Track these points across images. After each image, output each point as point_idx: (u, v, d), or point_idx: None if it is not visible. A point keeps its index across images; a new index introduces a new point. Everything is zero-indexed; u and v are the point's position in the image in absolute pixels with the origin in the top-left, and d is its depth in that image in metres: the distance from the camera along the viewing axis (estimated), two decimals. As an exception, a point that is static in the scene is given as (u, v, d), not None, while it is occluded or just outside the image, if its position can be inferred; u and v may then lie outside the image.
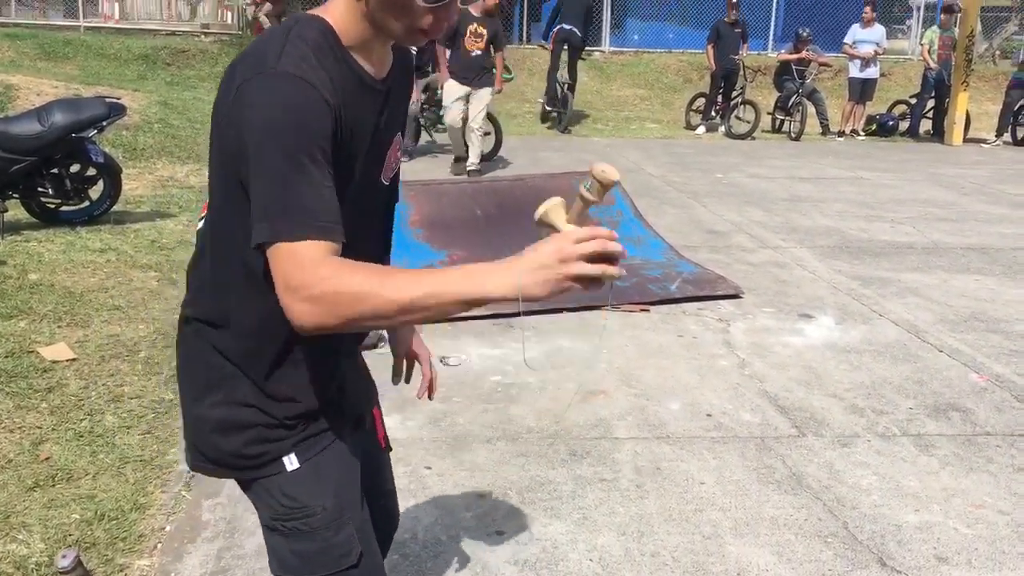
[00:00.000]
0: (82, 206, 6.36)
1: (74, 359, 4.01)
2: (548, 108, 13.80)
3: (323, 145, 1.29)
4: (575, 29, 12.94)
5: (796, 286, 5.77)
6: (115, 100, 6.48)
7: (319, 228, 1.26)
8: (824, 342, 4.76)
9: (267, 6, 11.87)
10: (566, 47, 13.02)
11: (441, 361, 4.30)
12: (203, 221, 1.53)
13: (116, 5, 15.77)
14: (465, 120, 9.14)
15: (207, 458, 1.54)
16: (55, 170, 6.15)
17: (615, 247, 1.21)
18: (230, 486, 2.96)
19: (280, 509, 1.49)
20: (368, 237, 1.52)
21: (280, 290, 1.26)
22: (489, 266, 1.25)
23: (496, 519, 2.95)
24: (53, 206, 6.29)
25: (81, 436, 3.33)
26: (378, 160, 1.49)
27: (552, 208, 1.30)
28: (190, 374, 1.55)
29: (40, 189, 6.16)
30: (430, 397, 1.89)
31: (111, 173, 6.38)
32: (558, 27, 13.10)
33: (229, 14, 16.72)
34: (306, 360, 1.48)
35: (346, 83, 1.35)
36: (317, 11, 1.40)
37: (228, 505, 2.94)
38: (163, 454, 3.27)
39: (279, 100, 1.26)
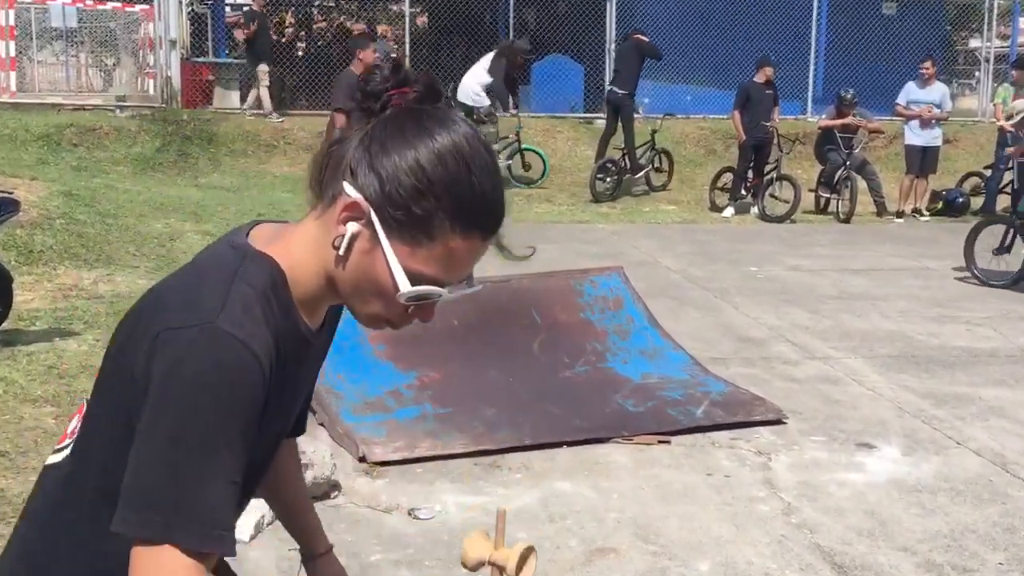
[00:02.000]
0: (-37, 325, 6.37)
1: (-55, 523, 3.95)
2: (599, 177, 14.69)
3: (247, 427, 1.30)
4: (615, 89, 14.61)
5: (852, 407, 5.78)
6: (6, 194, 6.56)
7: (214, 538, 1.27)
8: (889, 479, 4.75)
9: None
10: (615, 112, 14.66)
11: (410, 514, 4.26)
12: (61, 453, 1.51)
13: (12, 76, 16.13)
14: None
15: None
16: (-70, 281, 6.18)
17: None
18: None
19: None
20: (256, 479, 1.53)
21: None
22: None
23: None
24: (-73, 325, 6.30)
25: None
26: (287, 412, 1.55)
27: (472, 543, 1.60)
28: None
29: (-89, 305, 6.18)
30: None
31: (1, 283, 6.41)
32: (608, 90, 14.91)
33: (151, 83, 17.11)
34: None
35: (287, 341, 1.38)
36: (272, 248, 1.41)
37: None
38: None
39: (210, 367, 1.27)
